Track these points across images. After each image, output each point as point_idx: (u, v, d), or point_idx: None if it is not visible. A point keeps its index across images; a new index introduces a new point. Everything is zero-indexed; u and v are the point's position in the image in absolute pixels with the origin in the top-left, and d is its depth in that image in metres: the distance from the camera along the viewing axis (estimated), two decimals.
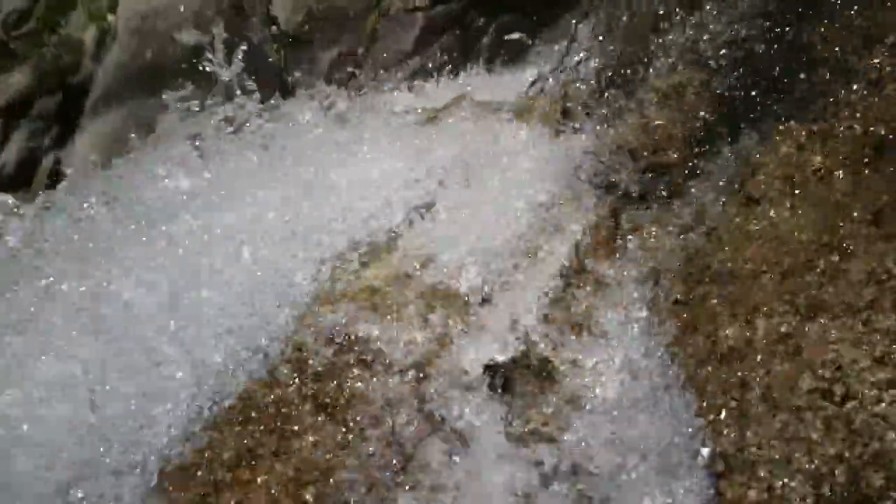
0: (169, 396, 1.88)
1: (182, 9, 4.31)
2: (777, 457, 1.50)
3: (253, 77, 4.09)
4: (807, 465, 1.46)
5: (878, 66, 1.92)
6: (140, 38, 4.25)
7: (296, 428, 1.79)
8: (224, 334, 2.01)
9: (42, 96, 4.03)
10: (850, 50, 2.01)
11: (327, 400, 1.82)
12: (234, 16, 4.28)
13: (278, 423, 1.81)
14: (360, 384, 1.84)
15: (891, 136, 1.76)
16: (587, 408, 1.79)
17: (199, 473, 1.74)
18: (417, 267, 2.12)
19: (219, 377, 1.91)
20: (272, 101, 3.47)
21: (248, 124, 3.19)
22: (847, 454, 1.44)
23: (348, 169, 2.50)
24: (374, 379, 1.84)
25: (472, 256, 2.13)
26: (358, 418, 1.79)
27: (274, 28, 4.35)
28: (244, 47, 4.49)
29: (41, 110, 4.03)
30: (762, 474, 1.51)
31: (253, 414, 1.82)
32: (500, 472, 1.70)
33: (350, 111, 3.13)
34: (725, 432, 1.59)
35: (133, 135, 3.91)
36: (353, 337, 1.92)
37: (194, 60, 4.40)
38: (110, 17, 4.19)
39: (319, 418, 1.80)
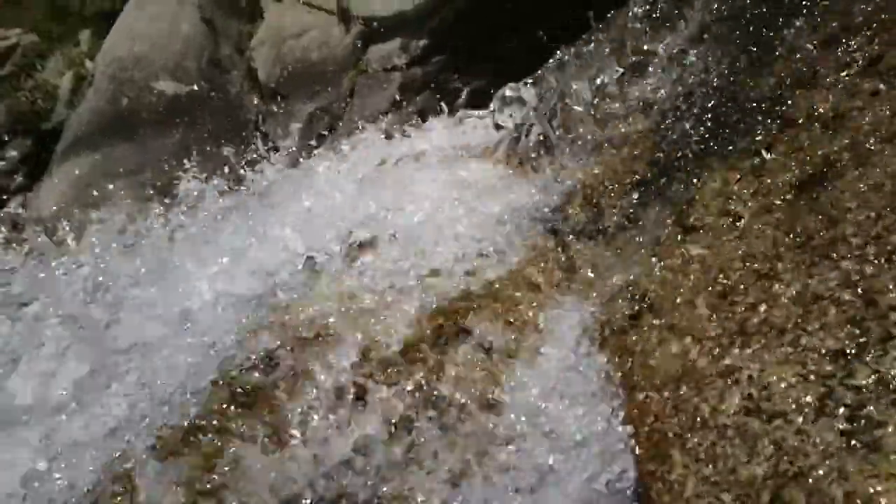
0: None
1: (161, 59, 4.36)
2: (704, 479, 1.47)
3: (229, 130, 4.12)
4: (732, 486, 1.42)
5: (808, 108, 1.98)
6: (117, 85, 4.28)
7: None
8: None
9: (15, 138, 4.01)
10: (782, 95, 2.07)
11: None
12: (214, 68, 4.33)
13: None
14: None
15: (817, 173, 1.80)
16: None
17: None
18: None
19: None
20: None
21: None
22: (772, 472, 1.40)
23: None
24: None
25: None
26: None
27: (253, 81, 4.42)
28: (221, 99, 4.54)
29: (12, 152, 4.01)
30: (687, 496, 1.47)
31: None
32: None
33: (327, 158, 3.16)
34: (651, 454, 1.57)
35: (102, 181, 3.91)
36: None
37: (171, 110, 4.42)
38: (88, 64, 4.22)
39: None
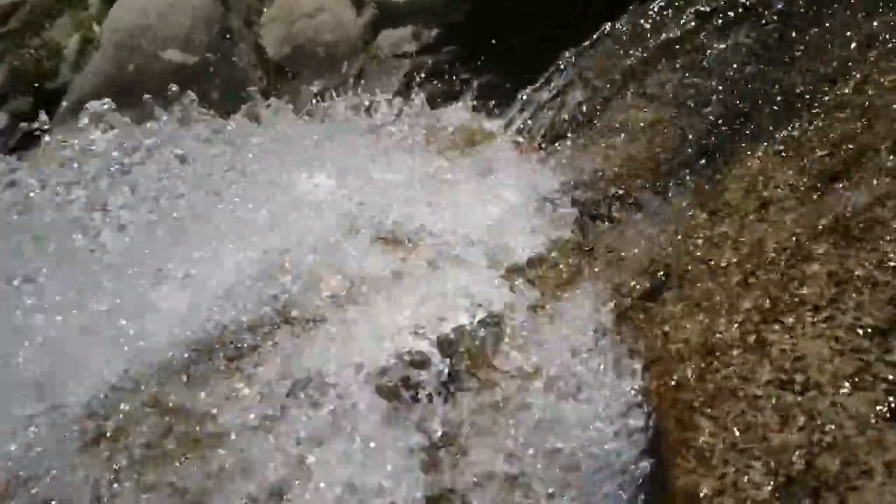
0: None
1: (170, 29, 4.32)
2: (732, 446, 1.47)
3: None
4: (763, 454, 1.43)
5: (840, 99, 2.01)
6: (124, 52, 4.22)
7: None
8: None
9: (16, 97, 3.94)
10: (813, 87, 2.09)
11: None
12: (223, 40, 4.30)
13: None
14: None
15: (850, 160, 1.81)
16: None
17: None
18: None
19: None
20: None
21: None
22: (805, 441, 1.41)
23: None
24: None
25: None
26: None
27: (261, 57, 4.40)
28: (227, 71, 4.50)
29: (12, 111, 3.93)
30: (715, 463, 1.47)
31: None
32: None
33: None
34: (675, 422, 1.57)
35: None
36: None
37: (177, 80, 4.36)
38: (96, 28, 4.16)
39: None
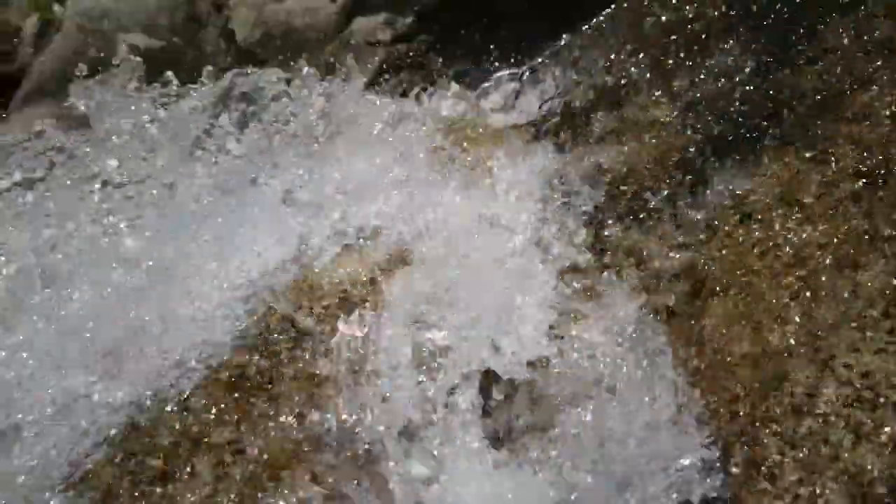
0: None
1: (134, 12, 4.16)
2: (803, 465, 1.41)
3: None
4: (837, 474, 1.38)
5: (867, 105, 1.98)
6: (86, 35, 4.06)
7: None
8: None
9: None
10: (839, 88, 2.07)
11: None
12: (189, 24, 4.16)
13: None
14: None
15: (882, 165, 1.80)
16: None
17: None
18: None
19: None
20: None
21: None
22: (884, 464, 1.37)
23: None
24: None
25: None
26: None
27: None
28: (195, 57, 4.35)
29: None
30: (786, 484, 1.41)
31: None
32: None
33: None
34: (742, 439, 1.51)
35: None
36: None
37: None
38: (57, 8, 3.99)
39: None
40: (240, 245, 2.04)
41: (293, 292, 1.98)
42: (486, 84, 3.49)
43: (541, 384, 1.76)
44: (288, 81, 2.97)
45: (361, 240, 2.18)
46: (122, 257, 2.04)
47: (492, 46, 3.80)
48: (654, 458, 1.59)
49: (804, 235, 1.78)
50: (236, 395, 1.77)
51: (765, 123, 2.14)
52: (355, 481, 1.64)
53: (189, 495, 1.62)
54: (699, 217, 2.03)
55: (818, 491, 1.39)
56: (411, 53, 4.25)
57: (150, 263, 2.01)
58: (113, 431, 1.70)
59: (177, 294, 1.90)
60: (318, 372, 1.81)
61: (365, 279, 2.06)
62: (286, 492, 1.60)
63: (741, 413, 1.56)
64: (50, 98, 3.92)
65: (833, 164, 1.89)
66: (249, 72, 2.86)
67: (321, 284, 2.02)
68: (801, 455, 1.45)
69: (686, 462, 1.56)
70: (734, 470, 1.52)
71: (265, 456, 1.67)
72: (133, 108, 2.61)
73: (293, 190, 2.32)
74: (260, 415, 1.73)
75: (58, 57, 3.93)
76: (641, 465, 1.58)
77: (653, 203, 2.16)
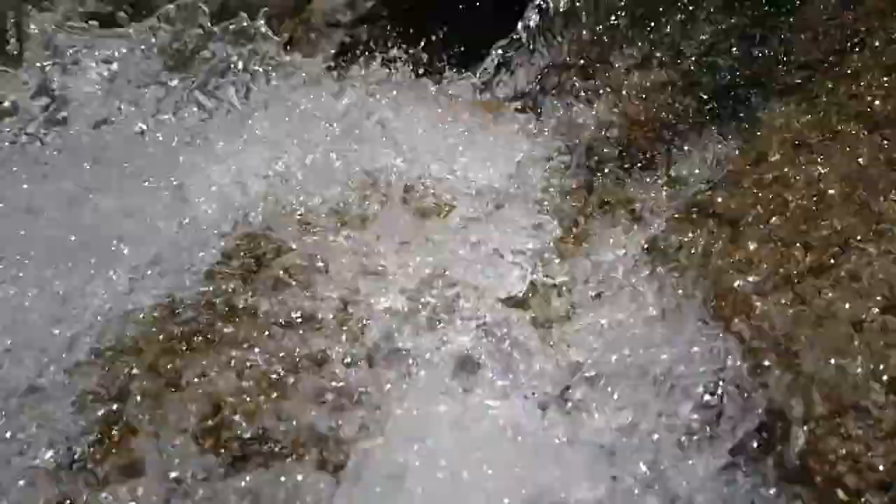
0: None
1: None
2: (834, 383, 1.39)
3: None
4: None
5: (861, 65, 2.04)
6: None
7: None
8: None
9: None
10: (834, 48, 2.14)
11: None
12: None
13: None
14: None
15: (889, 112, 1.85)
16: None
17: None
18: None
19: None
20: None
21: None
22: None
23: None
24: None
25: None
26: None
27: None
28: None
29: None
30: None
31: None
32: None
33: None
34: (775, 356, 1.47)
35: None
36: None
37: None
38: None
39: None
40: None
41: None
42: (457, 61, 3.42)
43: None
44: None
45: None
46: None
47: (457, 29, 3.76)
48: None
49: (817, 173, 1.84)
50: None
51: (762, 80, 2.18)
52: None
53: None
54: (697, 165, 2.06)
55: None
56: (373, 35, 4.18)
57: None
58: None
59: None
60: None
61: None
62: None
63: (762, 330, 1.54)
64: None
65: (841, 106, 1.96)
66: None
67: None
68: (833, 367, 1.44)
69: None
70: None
71: None
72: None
73: None
74: None
75: None
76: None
77: (651, 155, 2.17)
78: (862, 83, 2.01)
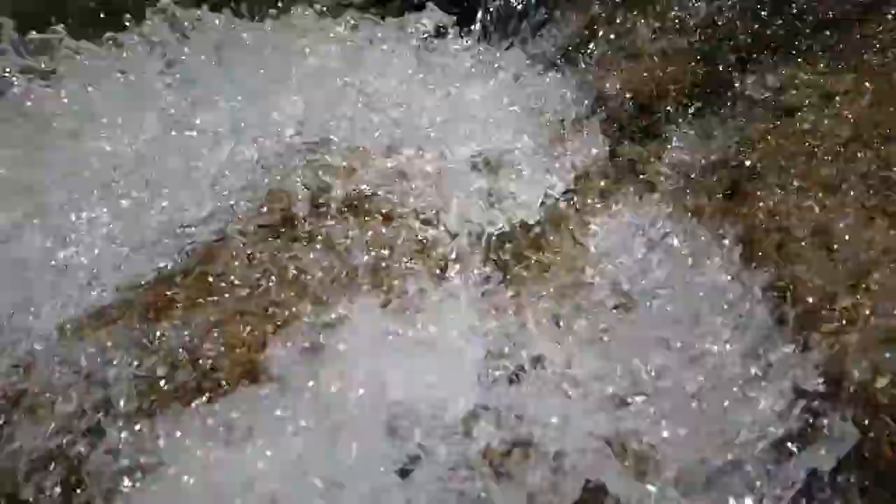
0: None
1: None
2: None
3: None
4: None
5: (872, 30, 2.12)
6: None
7: None
8: None
9: None
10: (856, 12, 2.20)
11: None
12: None
13: None
14: None
15: None
16: None
17: None
18: None
19: None
20: None
21: None
22: None
23: None
24: None
25: None
26: None
27: None
28: None
29: None
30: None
31: None
32: None
33: None
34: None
35: None
36: None
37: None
38: None
39: None
40: None
41: None
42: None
43: None
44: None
45: None
46: None
47: None
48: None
49: (849, 119, 1.88)
50: None
51: (787, 41, 2.24)
52: None
53: None
54: (721, 124, 2.12)
55: None
56: None
57: None
58: None
59: None
60: None
61: None
62: None
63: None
64: None
65: (864, 62, 2.02)
66: None
67: None
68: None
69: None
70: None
71: None
72: None
73: None
74: None
75: None
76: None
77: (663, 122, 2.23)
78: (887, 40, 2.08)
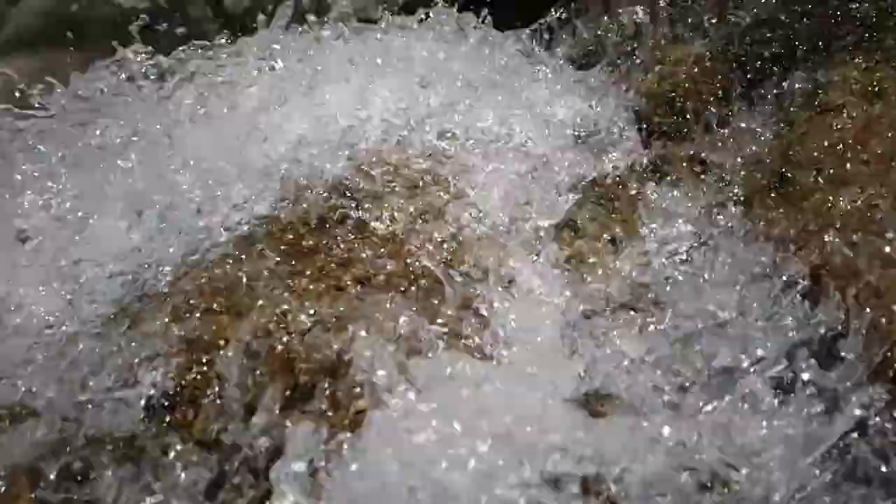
0: None
1: None
2: None
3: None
4: None
5: None
6: None
7: None
8: None
9: None
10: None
11: None
12: None
13: None
14: None
15: None
16: None
17: None
18: None
19: None
20: None
21: None
22: None
23: None
24: None
25: None
26: None
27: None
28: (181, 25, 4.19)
29: None
30: None
31: None
32: None
33: None
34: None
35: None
36: None
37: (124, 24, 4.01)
38: None
39: None
40: None
41: None
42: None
43: None
44: None
45: None
46: None
47: None
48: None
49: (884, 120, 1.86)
50: None
51: (822, 41, 2.23)
52: None
53: None
54: (764, 121, 2.10)
55: None
56: None
57: None
58: None
59: None
60: None
61: None
62: None
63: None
64: (29, 52, 3.71)
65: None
66: None
67: None
68: None
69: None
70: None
71: None
72: None
73: None
74: None
75: (36, 10, 3.71)
76: None
77: (710, 115, 2.21)
78: None
